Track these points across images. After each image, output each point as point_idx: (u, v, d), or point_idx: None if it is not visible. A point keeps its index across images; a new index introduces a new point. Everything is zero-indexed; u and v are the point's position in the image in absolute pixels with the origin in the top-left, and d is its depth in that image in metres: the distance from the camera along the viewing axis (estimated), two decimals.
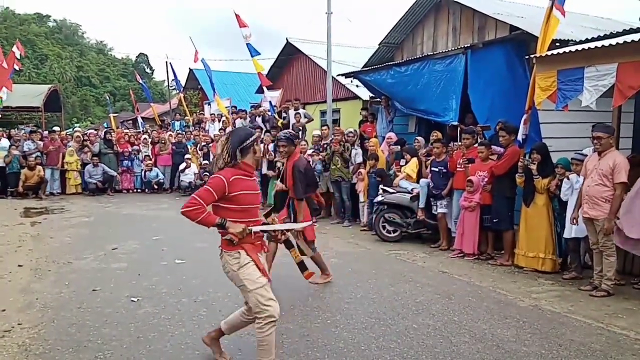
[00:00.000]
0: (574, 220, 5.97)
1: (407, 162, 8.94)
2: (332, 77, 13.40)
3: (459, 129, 8.48)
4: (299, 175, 5.71)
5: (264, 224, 3.76)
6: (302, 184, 5.73)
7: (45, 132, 15.68)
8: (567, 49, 5.98)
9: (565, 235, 6.34)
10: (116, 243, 7.95)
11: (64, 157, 14.46)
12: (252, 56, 14.07)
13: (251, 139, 3.57)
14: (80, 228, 9.51)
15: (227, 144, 3.54)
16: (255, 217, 3.64)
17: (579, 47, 5.88)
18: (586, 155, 6.05)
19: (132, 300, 5.35)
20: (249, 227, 3.48)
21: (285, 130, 7.26)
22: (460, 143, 8.03)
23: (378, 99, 11.91)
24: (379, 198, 8.65)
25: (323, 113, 15.35)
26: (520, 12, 10.19)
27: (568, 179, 6.25)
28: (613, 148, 5.68)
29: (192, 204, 3.35)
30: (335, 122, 15.07)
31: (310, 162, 10.14)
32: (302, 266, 4.49)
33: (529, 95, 6.51)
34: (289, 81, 19.66)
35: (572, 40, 7.57)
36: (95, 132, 16.74)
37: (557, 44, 7.02)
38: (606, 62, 5.49)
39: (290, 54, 19.38)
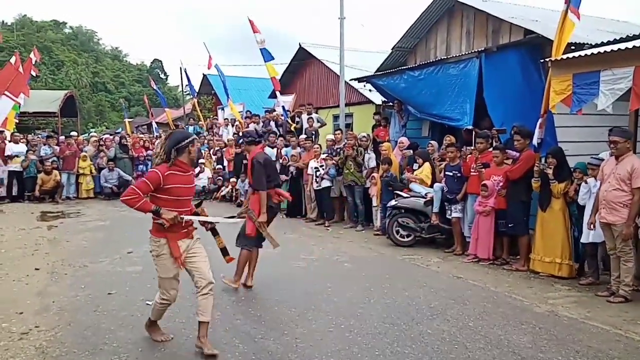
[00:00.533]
0: (591, 225, 5.90)
1: (419, 167, 8.89)
2: (345, 81, 13.41)
3: (473, 133, 8.44)
4: (257, 166, 5.91)
5: (194, 213, 4.32)
6: (261, 176, 5.90)
7: (62, 137, 15.87)
8: (582, 53, 5.95)
9: (583, 240, 6.26)
10: (131, 247, 8.00)
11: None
12: (265, 61, 14.15)
13: (186, 141, 4.11)
14: (96, 232, 9.60)
15: (165, 143, 4.13)
16: (187, 207, 4.22)
17: (595, 50, 5.82)
18: (602, 160, 5.99)
19: (147, 304, 5.35)
20: (180, 215, 4.04)
21: (248, 131, 7.48)
22: (473, 147, 8.00)
23: (391, 103, 11.90)
24: (393, 202, 8.62)
25: (336, 117, 15.36)
26: (534, 15, 10.13)
27: (586, 183, 6.19)
28: (631, 152, 5.60)
29: (130, 194, 3.91)
30: (348, 126, 15.07)
31: (324, 166, 10.19)
32: (224, 252, 4.76)
33: (544, 99, 6.45)
34: (302, 86, 19.73)
35: (587, 43, 7.51)
36: (111, 137, 16.90)
37: (573, 48, 6.97)
38: (623, 66, 5.44)
39: (303, 59, 19.45)
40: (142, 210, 3.96)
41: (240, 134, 13.99)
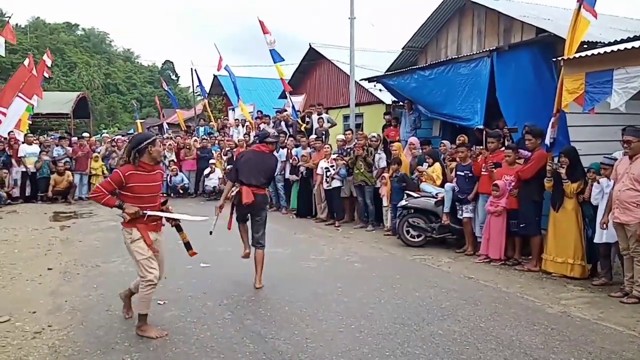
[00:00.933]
0: (604, 225, 5.84)
1: (429, 166, 8.85)
2: (355, 81, 13.39)
3: (484, 132, 8.40)
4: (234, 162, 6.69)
5: (161, 210, 4.68)
6: (233, 169, 6.40)
7: (74, 138, 16.01)
8: (595, 51, 5.88)
9: (596, 240, 6.17)
10: None
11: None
12: (275, 62, 14.18)
13: (145, 142, 4.42)
14: (108, 232, 9.65)
15: (126, 146, 4.52)
16: (152, 204, 4.57)
17: (608, 49, 5.76)
18: (616, 159, 5.91)
19: (159, 303, 5.39)
20: (143, 211, 4.43)
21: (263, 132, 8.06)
22: (482, 147, 7.96)
23: (401, 103, 11.86)
24: (403, 202, 8.59)
25: (346, 117, 15.35)
26: (546, 14, 10.06)
27: (598, 182, 6.12)
28: None
29: (96, 192, 4.37)
30: (359, 126, 15.05)
31: (334, 166, 10.18)
32: (188, 246, 5.01)
33: (557, 98, 6.40)
34: (312, 86, 19.73)
35: (600, 42, 7.45)
36: (123, 137, 17.02)
37: (585, 46, 6.90)
38: (636, 64, 5.38)
39: (313, 59, 19.45)
40: (107, 206, 4.40)
41: (252, 133, 14.11)
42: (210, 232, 6.13)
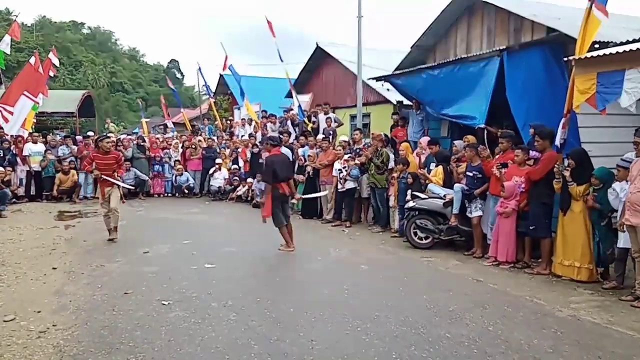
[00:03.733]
0: (621, 227, 5.74)
1: (436, 166, 8.77)
2: (363, 80, 13.32)
3: (485, 131, 8.31)
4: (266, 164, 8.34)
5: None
6: (269, 173, 7.99)
7: (80, 137, 16.01)
8: (607, 51, 5.80)
9: (619, 244, 6.00)
10: (147, 247, 8.02)
11: None
12: (282, 61, 14.20)
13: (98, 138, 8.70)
14: None
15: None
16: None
17: (620, 48, 5.67)
18: (631, 161, 5.79)
19: (163, 304, 5.36)
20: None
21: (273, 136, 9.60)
22: (484, 146, 7.90)
23: (408, 103, 11.79)
24: (410, 204, 8.50)
25: (353, 117, 15.28)
26: (557, 13, 9.95)
27: (613, 189, 6.01)
28: None
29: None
30: (366, 126, 14.99)
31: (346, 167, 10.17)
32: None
33: (568, 99, 6.32)
34: (319, 85, 19.70)
35: (612, 42, 7.34)
36: (129, 137, 17.01)
37: (597, 46, 6.80)
38: None
39: (320, 58, 19.40)
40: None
41: (260, 135, 14.17)
42: (264, 221, 7.97)
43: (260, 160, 11.89)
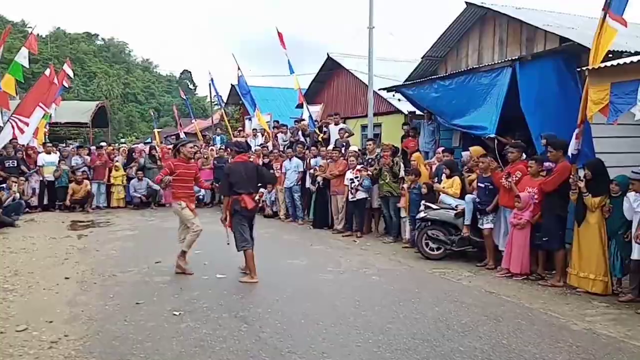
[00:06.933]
0: (637, 239, 5.65)
1: (447, 177, 8.69)
2: (374, 91, 13.32)
3: (495, 141, 8.27)
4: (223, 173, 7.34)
5: None
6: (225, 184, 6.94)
7: (93, 147, 16.13)
8: (621, 61, 5.75)
9: (633, 256, 5.88)
10: (160, 257, 8.02)
11: (110, 171, 14.83)
12: (291, 73, 14.24)
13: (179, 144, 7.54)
14: (125, 241, 9.68)
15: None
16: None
17: (635, 58, 5.61)
18: None
19: (175, 314, 5.36)
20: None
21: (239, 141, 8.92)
22: (494, 157, 7.85)
23: (419, 113, 11.76)
24: (422, 215, 8.45)
25: (364, 127, 15.27)
26: (570, 23, 9.91)
27: (627, 197, 5.93)
28: None
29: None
30: (377, 136, 14.95)
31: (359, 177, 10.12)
32: None
33: (581, 109, 6.26)
34: (330, 96, 19.71)
35: (626, 51, 7.29)
36: (142, 147, 17.13)
37: (611, 55, 6.75)
38: None
39: (331, 69, 19.45)
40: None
41: (271, 145, 14.16)
42: (228, 243, 6.86)
43: (271, 171, 11.88)
